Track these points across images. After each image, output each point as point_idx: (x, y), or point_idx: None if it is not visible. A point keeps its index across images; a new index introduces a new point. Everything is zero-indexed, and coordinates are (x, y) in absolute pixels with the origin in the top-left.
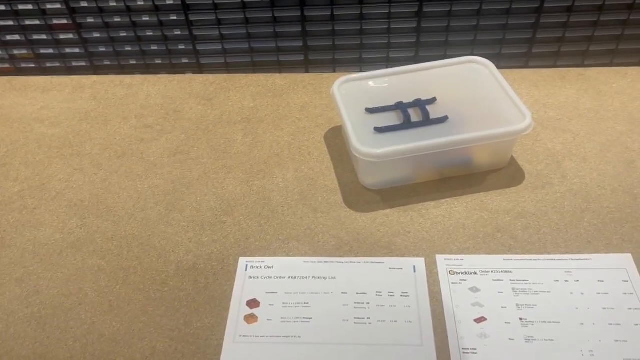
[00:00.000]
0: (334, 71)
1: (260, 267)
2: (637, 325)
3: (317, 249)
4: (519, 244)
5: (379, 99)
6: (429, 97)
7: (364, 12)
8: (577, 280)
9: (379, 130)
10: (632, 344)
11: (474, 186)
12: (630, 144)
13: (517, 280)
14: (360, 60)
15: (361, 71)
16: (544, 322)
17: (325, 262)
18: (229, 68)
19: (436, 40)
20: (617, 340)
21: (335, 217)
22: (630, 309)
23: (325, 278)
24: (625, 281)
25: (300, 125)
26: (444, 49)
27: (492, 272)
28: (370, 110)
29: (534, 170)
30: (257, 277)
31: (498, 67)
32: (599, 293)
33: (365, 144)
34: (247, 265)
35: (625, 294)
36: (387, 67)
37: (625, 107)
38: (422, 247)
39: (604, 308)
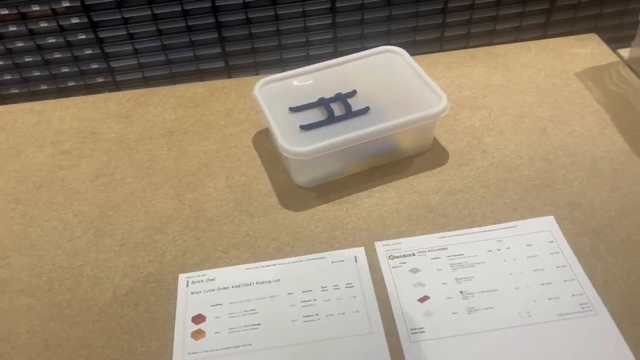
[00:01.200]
0: (257, 74)
1: (202, 281)
2: (565, 281)
3: (258, 254)
4: (450, 221)
5: (302, 97)
6: (349, 90)
7: (278, 12)
8: (508, 248)
9: (305, 127)
10: (563, 300)
11: (403, 171)
12: (540, 113)
13: (454, 256)
14: (281, 60)
15: (283, 71)
16: (483, 291)
17: (267, 265)
18: (147, 82)
19: (352, 34)
20: (550, 298)
21: (273, 220)
22: (558, 267)
23: (270, 282)
24: (550, 242)
25: (226, 132)
26: (361, 42)
27: (429, 251)
28: (294, 109)
29: (456, 149)
30: (200, 292)
31: (414, 53)
32: (529, 256)
33: (292, 143)
34: (187, 281)
35: (552, 253)
36: (308, 65)
37: (533, 79)
38: (361, 236)
39: (535, 270)
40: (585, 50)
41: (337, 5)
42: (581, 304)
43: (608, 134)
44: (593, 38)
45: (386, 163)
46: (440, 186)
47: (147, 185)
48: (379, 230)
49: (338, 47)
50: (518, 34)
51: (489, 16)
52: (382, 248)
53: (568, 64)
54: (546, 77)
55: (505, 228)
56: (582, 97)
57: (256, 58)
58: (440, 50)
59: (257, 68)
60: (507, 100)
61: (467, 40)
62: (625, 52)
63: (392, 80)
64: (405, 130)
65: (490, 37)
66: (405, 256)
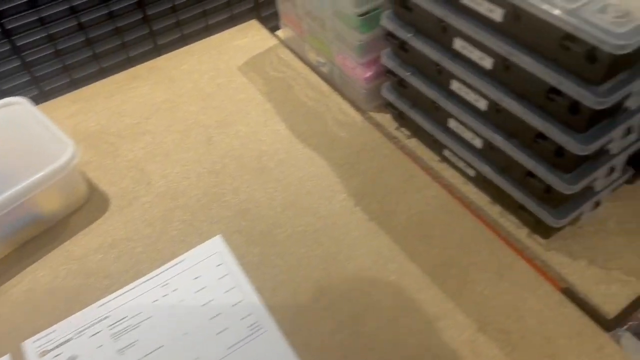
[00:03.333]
0: None
1: None
2: (234, 305)
3: None
4: (114, 280)
5: None
6: None
7: None
8: (175, 289)
9: None
10: (232, 328)
11: (58, 238)
12: (206, 121)
13: (116, 323)
14: None
15: None
16: (148, 354)
17: None
18: None
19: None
20: (218, 333)
21: None
22: (226, 291)
23: None
24: (219, 265)
25: None
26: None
27: (87, 328)
28: None
29: (118, 190)
30: None
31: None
32: (197, 291)
33: None
34: None
35: (220, 278)
36: None
37: (197, 85)
38: (7, 341)
39: (203, 305)
40: (247, 40)
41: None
42: (250, 326)
43: (271, 124)
44: (253, 25)
45: (36, 235)
46: (102, 241)
47: None
48: (30, 324)
49: None
50: (209, 31)
51: (166, 25)
52: (32, 346)
53: (231, 59)
54: (210, 80)
55: (171, 267)
56: (246, 92)
57: None
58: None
59: None
60: (171, 116)
61: (103, 74)
62: (281, 33)
63: (14, 138)
64: (40, 193)
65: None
66: (60, 345)
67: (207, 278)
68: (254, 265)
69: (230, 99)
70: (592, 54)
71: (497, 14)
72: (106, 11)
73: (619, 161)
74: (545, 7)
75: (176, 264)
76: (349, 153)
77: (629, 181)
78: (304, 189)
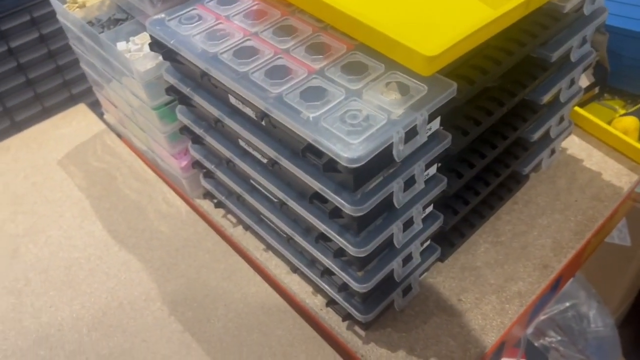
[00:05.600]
0: None
1: None
2: None
3: None
4: None
5: None
6: None
7: None
8: None
9: None
10: None
11: None
12: (14, 229)
13: None
14: None
15: None
16: None
17: None
18: None
19: None
20: None
21: None
22: None
23: None
24: None
25: None
26: None
27: None
28: None
29: None
30: None
31: None
32: None
33: None
34: None
35: None
36: None
37: (8, 187)
38: None
39: None
40: (71, 128)
41: None
42: None
43: (87, 225)
44: (81, 109)
45: None
46: None
47: None
48: None
49: None
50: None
51: None
52: None
53: (52, 152)
54: (25, 179)
55: None
56: (63, 190)
57: None
58: None
59: None
60: None
61: None
62: (108, 118)
63: None
64: None
65: None
66: None
67: None
68: None
69: (43, 201)
70: (332, 164)
71: (259, 118)
72: None
73: (415, 247)
74: (284, 116)
75: None
76: (168, 251)
77: (441, 259)
78: (115, 302)
